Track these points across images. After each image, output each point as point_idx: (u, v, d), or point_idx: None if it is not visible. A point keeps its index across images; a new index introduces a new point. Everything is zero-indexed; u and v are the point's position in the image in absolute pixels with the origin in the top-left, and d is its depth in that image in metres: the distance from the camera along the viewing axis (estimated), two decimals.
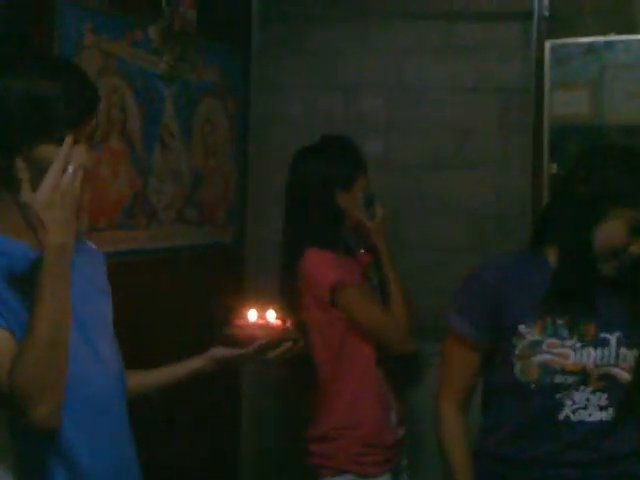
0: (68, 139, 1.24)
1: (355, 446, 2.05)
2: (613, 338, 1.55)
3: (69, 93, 1.26)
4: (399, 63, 2.91)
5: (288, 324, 1.65)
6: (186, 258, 2.49)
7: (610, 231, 1.51)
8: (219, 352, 1.62)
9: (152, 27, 2.28)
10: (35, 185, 1.22)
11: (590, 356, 1.54)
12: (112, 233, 2.14)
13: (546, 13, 2.73)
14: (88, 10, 2.00)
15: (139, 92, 2.22)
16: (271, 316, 1.64)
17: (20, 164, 1.24)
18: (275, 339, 1.60)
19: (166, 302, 2.33)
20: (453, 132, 2.87)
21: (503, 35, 2.85)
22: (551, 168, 2.74)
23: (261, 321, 1.64)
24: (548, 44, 2.69)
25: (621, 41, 2.70)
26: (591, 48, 2.70)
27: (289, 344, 1.62)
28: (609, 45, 2.67)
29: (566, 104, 2.77)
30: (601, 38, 2.68)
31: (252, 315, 1.64)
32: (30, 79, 1.26)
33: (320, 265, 2.06)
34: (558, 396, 1.54)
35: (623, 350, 1.55)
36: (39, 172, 1.23)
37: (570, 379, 1.53)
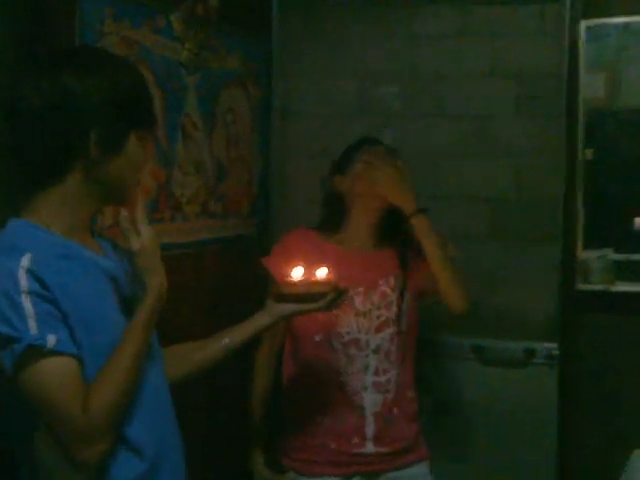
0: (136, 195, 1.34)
1: (289, 440, 2.12)
2: None
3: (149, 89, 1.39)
4: (418, 48, 2.81)
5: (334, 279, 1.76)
6: (211, 252, 2.42)
7: None
8: (287, 308, 1.70)
9: (174, 14, 2.20)
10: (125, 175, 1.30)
11: None
12: None
13: None
14: None
15: (161, 80, 2.13)
16: (324, 273, 1.74)
17: (124, 214, 1.33)
18: (339, 292, 1.74)
19: (191, 298, 2.27)
20: (472, 119, 2.77)
21: (526, 18, 2.74)
22: (586, 154, 2.65)
23: (319, 278, 1.73)
24: (583, 24, 2.59)
25: None
26: (627, 28, 2.61)
27: (346, 296, 1.79)
28: None
29: (598, 88, 2.67)
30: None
31: (299, 273, 1.73)
32: (133, 73, 1.34)
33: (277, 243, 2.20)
34: None
35: None
36: (128, 167, 1.30)
37: None
